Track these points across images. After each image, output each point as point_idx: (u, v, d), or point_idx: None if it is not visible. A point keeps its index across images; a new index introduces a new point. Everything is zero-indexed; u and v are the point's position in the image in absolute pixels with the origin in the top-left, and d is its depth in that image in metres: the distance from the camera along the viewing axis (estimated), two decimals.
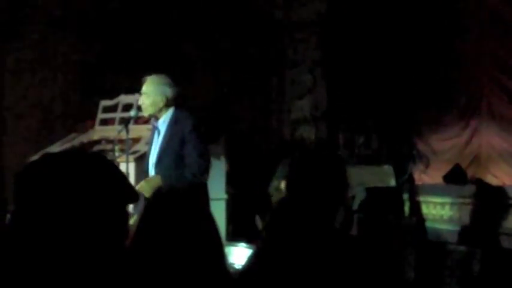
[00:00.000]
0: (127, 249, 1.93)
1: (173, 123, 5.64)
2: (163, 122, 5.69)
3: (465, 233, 7.18)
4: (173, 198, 2.29)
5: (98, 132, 7.60)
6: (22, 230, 1.64)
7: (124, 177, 1.77)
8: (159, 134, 5.71)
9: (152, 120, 5.93)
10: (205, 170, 5.58)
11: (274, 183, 7.73)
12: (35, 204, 1.64)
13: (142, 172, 5.87)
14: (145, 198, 5.07)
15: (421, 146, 9.95)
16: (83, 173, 1.68)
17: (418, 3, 9.76)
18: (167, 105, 5.66)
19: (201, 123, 5.73)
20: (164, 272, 2.05)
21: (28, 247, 1.62)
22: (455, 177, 8.57)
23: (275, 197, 7.47)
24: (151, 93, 5.65)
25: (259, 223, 7.98)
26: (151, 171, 5.73)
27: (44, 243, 1.61)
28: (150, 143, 5.87)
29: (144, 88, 5.69)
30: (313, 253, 2.71)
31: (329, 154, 3.18)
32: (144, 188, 5.37)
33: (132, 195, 1.76)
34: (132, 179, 6.00)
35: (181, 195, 2.39)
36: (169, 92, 5.66)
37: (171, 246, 2.08)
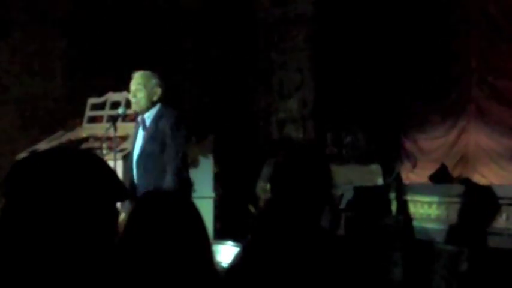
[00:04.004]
0: (115, 246, 1.92)
1: (158, 118, 5.66)
2: (148, 118, 5.71)
3: (453, 232, 7.19)
4: (161, 196, 2.29)
5: (86, 129, 7.58)
6: (11, 227, 1.62)
7: (113, 174, 1.76)
8: (144, 129, 5.71)
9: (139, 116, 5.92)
10: (179, 170, 5.57)
11: (260, 184, 7.72)
12: (23, 201, 1.63)
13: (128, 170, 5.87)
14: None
15: (408, 145, 9.97)
16: (72, 170, 1.67)
17: (406, 4, 9.78)
18: (156, 101, 5.68)
19: (185, 119, 5.74)
20: (152, 270, 2.04)
21: (16, 245, 1.61)
22: (441, 177, 8.58)
23: (263, 198, 7.46)
24: (146, 87, 5.66)
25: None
26: (135, 166, 5.74)
27: (33, 241, 1.60)
28: (134, 140, 5.86)
29: (138, 81, 5.68)
30: (299, 252, 2.72)
31: (313, 153, 3.18)
32: None
33: (122, 192, 1.76)
34: (119, 177, 5.98)
35: (168, 193, 2.39)
36: (160, 87, 5.69)
37: (159, 244, 2.08)
